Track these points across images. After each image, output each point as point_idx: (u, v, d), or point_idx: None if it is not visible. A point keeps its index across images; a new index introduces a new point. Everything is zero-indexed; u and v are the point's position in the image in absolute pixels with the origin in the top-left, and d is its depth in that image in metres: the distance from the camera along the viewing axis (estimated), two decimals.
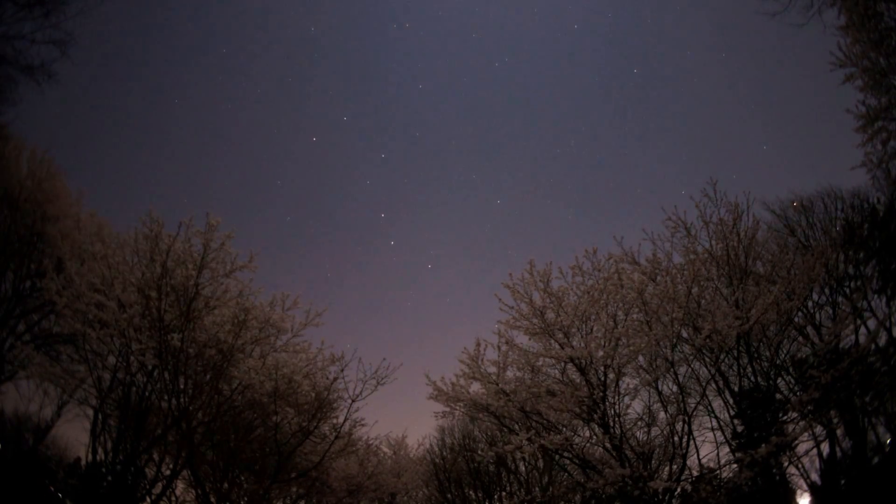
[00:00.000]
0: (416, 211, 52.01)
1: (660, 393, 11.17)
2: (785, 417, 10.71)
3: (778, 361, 11.85)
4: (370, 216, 53.32)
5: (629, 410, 11.66)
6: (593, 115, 49.94)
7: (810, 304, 12.80)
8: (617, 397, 11.02)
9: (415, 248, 52.33)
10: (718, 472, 11.08)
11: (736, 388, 11.21)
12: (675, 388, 11.01)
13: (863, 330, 12.65)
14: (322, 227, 51.62)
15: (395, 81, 50.15)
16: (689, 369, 11.54)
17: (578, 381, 10.94)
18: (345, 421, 13.78)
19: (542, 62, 48.77)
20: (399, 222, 51.44)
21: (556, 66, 49.08)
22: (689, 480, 10.75)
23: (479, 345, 11.40)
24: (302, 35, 46.71)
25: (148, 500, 13.17)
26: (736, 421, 11.20)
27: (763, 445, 9.47)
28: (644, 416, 11.78)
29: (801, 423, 10.52)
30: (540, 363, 11.76)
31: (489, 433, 18.48)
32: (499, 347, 11.29)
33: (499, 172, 51.39)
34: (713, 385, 11.43)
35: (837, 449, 12.08)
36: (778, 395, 11.52)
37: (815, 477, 12.29)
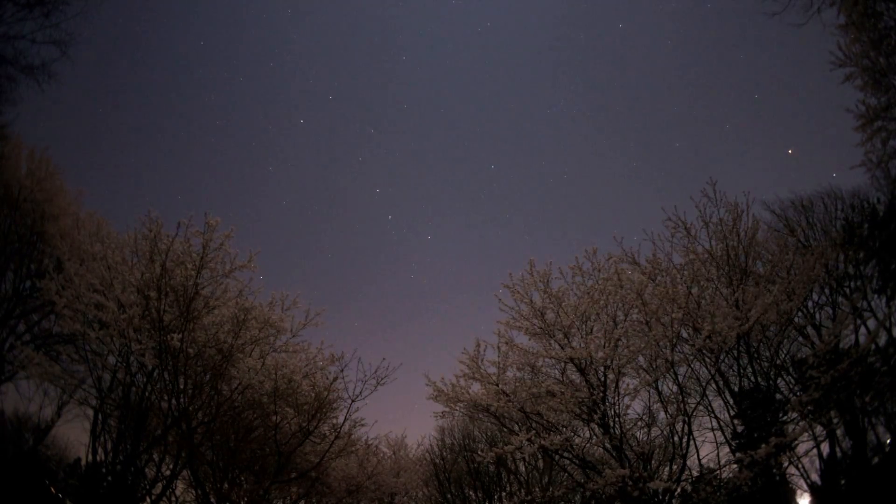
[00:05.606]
0: (411, 183, 51.87)
1: (660, 393, 11.15)
2: (785, 417, 10.71)
3: (778, 361, 11.84)
4: (365, 193, 53.10)
5: (629, 411, 11.61)
6: (585, 92, 49.65)
7: (810, 304, 12.79)
8: (617, 398, 11.00)
9: (413, 221, 52.04)
10: (718, 472, 11.06)
11: (736, 389, 11.20)
12: (674, 389, 11.00)
13: (863, 330, 12.64)
14: (318, 208, 51.61)
15: (378, 56, 49.86)
16: (689, 369, 11.53)
17: (578, 381, 10.93)
18: (344, 421, 13.81)
19: (525, 25, 48.29)
20: (395, 196, 51.40)
21: (540, 29, 48.53)
22: (689, 481, 10.73)
23: (478, 345, 11.38)
24: (279, 17, 46.34)
25: (148, 500, 13.18)
26: (736, 421, 11.19)
27: (763, 446, 9.45)
28: (644, 417, 11.75)
29: (801, 424, 10.51)
30: (540, 363, 11.75)
31: (489, 433, 18.48)
32: (499, 348, 11.26)
33: (491, 137, 51.17)
34: (713, 385, 11.42)
35: (837, 449, 12.06)
36: (778, 395, 11.52)
37: (815, 477, 12.28)
